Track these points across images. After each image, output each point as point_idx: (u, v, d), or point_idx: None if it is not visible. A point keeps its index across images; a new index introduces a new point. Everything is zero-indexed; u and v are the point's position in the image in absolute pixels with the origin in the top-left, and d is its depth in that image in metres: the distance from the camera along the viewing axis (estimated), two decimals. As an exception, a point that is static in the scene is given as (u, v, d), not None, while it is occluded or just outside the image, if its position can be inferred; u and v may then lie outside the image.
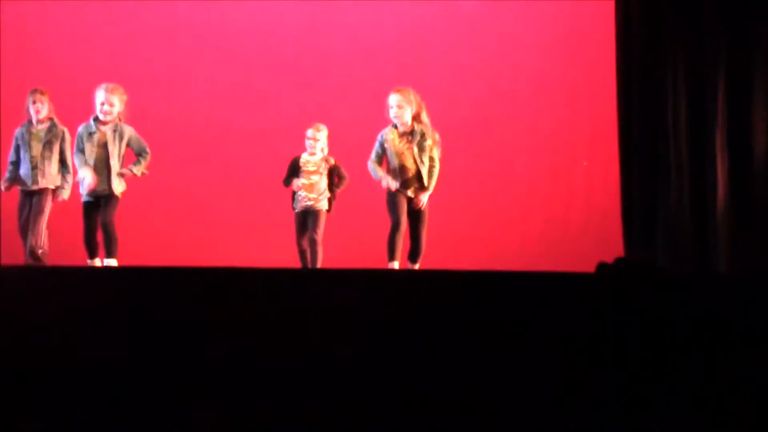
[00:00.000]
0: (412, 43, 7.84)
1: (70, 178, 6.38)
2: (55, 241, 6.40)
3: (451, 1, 7.90)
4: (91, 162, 6.26)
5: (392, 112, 6.34)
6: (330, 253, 6.53)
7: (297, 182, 6.60)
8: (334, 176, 6.67)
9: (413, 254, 6.33)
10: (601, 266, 4.35)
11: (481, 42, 7.89)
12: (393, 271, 6.06)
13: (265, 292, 3.71)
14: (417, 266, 6.32)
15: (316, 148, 6.66)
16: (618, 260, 4.54)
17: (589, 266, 4.88)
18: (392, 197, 6.33)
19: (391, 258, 6.28)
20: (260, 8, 7.91)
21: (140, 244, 7.08)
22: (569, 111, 7.84)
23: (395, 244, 6.29)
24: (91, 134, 6.33)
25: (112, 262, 6.20)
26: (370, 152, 6.39)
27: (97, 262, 6.30)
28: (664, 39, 7.04)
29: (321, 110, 7.29)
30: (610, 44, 7.46)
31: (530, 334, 3.59)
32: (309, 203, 6.61)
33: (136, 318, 3.58)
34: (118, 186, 6.30)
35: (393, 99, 6.35)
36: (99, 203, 6.29)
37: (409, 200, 6.32)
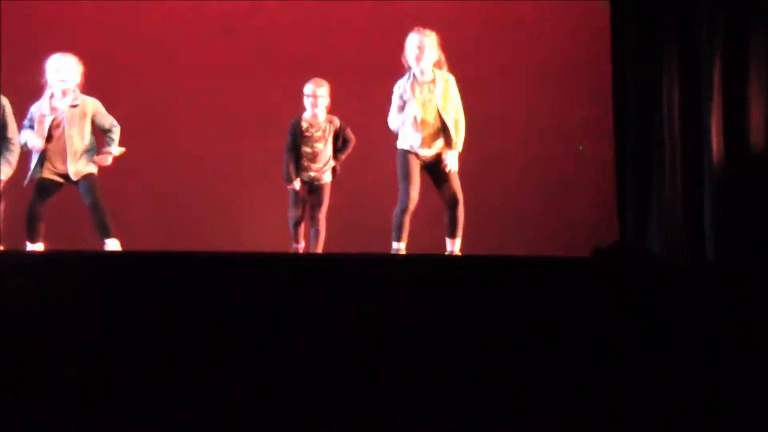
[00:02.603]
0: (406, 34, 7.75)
1: (12, 152, 5.54)
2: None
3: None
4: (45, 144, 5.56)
5: (412, 55, 5.52)
6: (330, 239, 6.25)
7: (296, 183, 6.00)
8: (339, 140, 6.03)
9: (452, 228, 5.59)
10: (597, 250, 4.37)
11: (475, 28, 7.85)
12: (387, 255, 5.47)
13: (263, 279, 3.70)
14: (457, 244, 5.61)
15: (319, 107, 5.99)
16: (613, 244, 4.56)
17: (584, 251, 4.91)
18: (404, 161, 5.52)
19: (397, 238, 5.54)
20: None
21: (135, 231, 7.02)
22: (564, 96, 7.83)
23: (401, 223, 5.50)
24: (44, 114, 5.61)
25: (114, 243, 5.61)
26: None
27: (39, 247, 5.58)
28: (659, 23, 7.05)
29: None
30: (605, 29, 7.46)
31: (526, 318, 3.61)
32: (313, 174, 6.00)
33: (133, 306, 3.57)
34: (84, 167, 5.65)
35: (413, 40, 5.54)
36: (55, 183, 5.64)
37: (434, 162, 5.58)
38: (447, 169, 5.56)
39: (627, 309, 3.64)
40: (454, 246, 5.64)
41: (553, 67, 7.83)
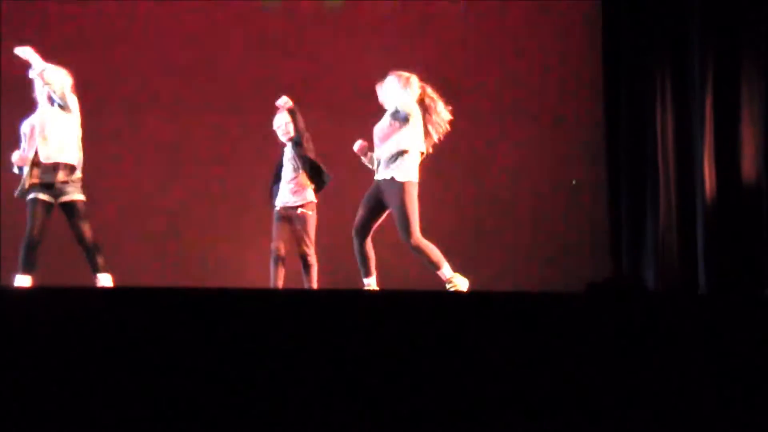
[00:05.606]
0: (393, 52, 7.57)
1: None
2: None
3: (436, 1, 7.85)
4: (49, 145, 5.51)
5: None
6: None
7: (273, 202, 6.08)
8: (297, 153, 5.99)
9: (428, 264, 5.44)
10: (591, 287, 4.35)
11: (464, 60, 7.87)
12: (376, 291, 5.37)
13: (252, 316, 3.66)
14: (447, 272, 5.43)
15: (284, 138, 6.06)
16: (607, 280, 4.55)
17: (578, 285, 4.89)
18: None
19: (363, 274, 5.50)
20: (250, 12, 7.78)
21: (127, 262, 6.99)
22: (557, 129, 7.86)
23: (361, 256, 5.47)
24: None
25: (107, 278, 5.49)
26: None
27: (27, 281, 5.37)
28: (651, 55, 7.12)
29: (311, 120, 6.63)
30: (597, 61, 7.51)
31: (518, 355, 3.58)
32: (293, 199, 5.98)
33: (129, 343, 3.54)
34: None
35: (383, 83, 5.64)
36: (52, 197, 5.50)
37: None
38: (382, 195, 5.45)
39: (621, 346, 3.61)
40: (444, 276, 5.50)
41: (546, 99, 7.86)
